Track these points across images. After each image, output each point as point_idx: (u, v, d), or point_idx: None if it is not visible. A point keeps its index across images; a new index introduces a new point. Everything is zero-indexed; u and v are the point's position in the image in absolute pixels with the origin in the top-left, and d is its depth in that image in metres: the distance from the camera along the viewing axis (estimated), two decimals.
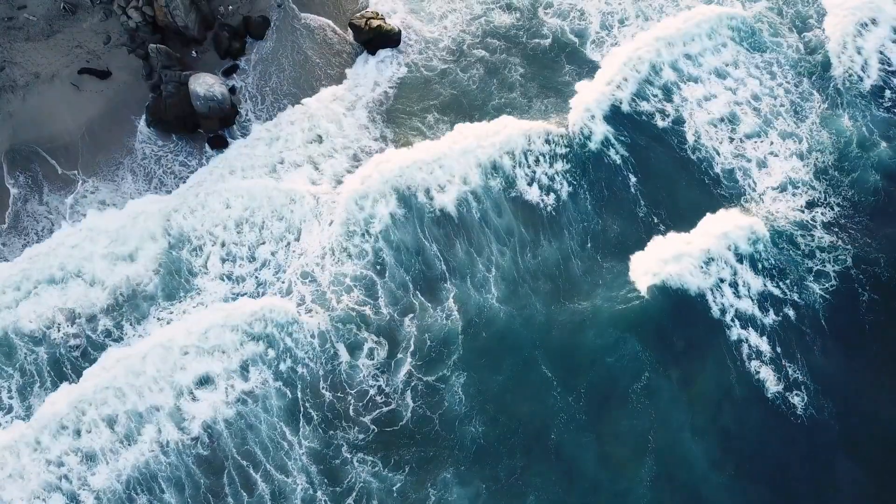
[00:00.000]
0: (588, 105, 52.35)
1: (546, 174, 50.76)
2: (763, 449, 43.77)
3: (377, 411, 44.74)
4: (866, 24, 55.31)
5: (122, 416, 44.05)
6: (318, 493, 42.87)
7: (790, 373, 45.04)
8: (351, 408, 44.78)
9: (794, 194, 49.97)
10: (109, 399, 44.31)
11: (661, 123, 52.50)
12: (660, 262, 47.64)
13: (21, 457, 43.14)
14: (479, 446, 43.97)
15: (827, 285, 47.08)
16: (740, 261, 47.69)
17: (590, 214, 49.74)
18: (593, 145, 51.47)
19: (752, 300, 46.79)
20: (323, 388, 45.22)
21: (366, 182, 49.79)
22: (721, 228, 48.36)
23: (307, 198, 49.59)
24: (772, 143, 51.62)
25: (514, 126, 51.70)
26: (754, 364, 45.31)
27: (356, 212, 49.15)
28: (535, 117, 52.62)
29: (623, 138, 51.86)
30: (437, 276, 47.93)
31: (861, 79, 53.85)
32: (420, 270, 48.12)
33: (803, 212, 49.37)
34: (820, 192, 49.97)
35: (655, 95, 53.47)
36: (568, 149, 51.42)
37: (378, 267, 48.00)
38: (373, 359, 45.84)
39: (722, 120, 52.34)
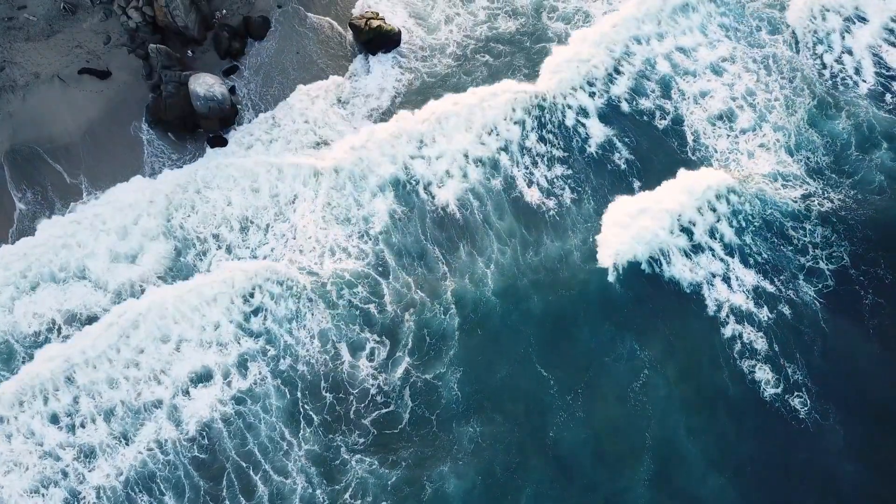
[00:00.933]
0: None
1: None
2: (762, 447, 43.64)
3: (377, 412, 44.60)
4: (852, 21, 55.38)
5: (119, 410, 44.08)
6: (318, 493, 42.76)
7: (789, 372, 44.84)
8: (352, 409, 44.67)
9: (784, 186, 49.83)
10: (104, 391, 44.38)
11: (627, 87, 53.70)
12: (637, 244, 47.75)
13: (14, 442, 43.36)
14: (477, 444, 43.94)
15: (820, 285, 47.13)
16: (731, 254, 47.72)
17: (580, 203, 49.93)
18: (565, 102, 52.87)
19: (747, 295, 46.73)
20: (323, 387, 45.16)
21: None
22: (705, 197, 49.02)
23: (306, 190, 49.69)
24: (764, 135, 51.53)
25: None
26: (748, 363, 45.15)
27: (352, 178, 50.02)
28: None
29: (596, 98, 52.97)
30: (435, 267, 48.11)
31: (829, 66, 54.04)
32: (414, 249, 48.59)
33: (796, 202, 49.23)
34: (813, 186, 49.83)
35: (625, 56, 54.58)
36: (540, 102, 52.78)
37: (376, 251, 48.43)
38: (373, 359, 45.75)
39: (702, 94, 52.64)
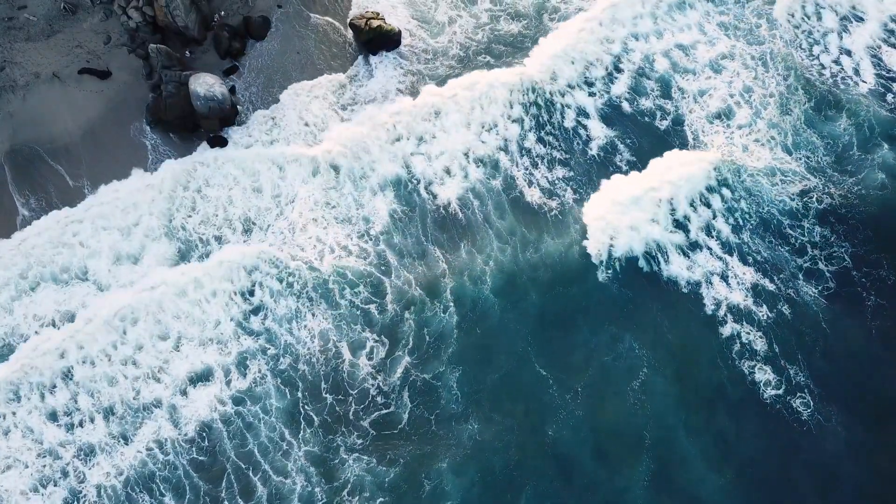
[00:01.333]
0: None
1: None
2: (763, 447, 43.61)
3: (376, 413, 44.52)
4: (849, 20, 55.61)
5: (119, 408, 44.01)
6: (317, 490, 42.70)
7: (791, 374, 44.80)
8: (351, 410, 44.60)
9: (783, 181, 49.84)
10: (103, 389, 44.32)
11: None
12: (631, 232, 48.03)
13: (12, 439, 43.33)
14: (476, 443, 43.88)
15: (821, 286, 47.08)
16: (729, 252, 47.66)
17: (579, 200, 50.04)
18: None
19: (746, 294, 46.72)
20: (323, 387, 45.06)
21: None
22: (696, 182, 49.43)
23: (307, 188, 49.73)
24: (758, 130, 51.62)
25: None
26: (748, 364, 45.09)
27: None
28: None
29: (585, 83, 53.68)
30: (435, 265, 48.13)
31: (828, 67, 54.18)
32: (414, 248, 48.65)
33: (793, 199, 49.24)
34: (813, 181, 49.78)
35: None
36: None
37: (377, 250, 48.39)
38: (372, 358, 45.66)
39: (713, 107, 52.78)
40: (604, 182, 50.33)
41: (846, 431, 43.34)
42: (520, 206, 49.75)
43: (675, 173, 49.34)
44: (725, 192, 49.12)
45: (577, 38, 54.54)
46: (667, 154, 50.59)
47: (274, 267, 47.39)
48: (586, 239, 48.42)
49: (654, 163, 50.29)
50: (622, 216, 48.37)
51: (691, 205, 48.73)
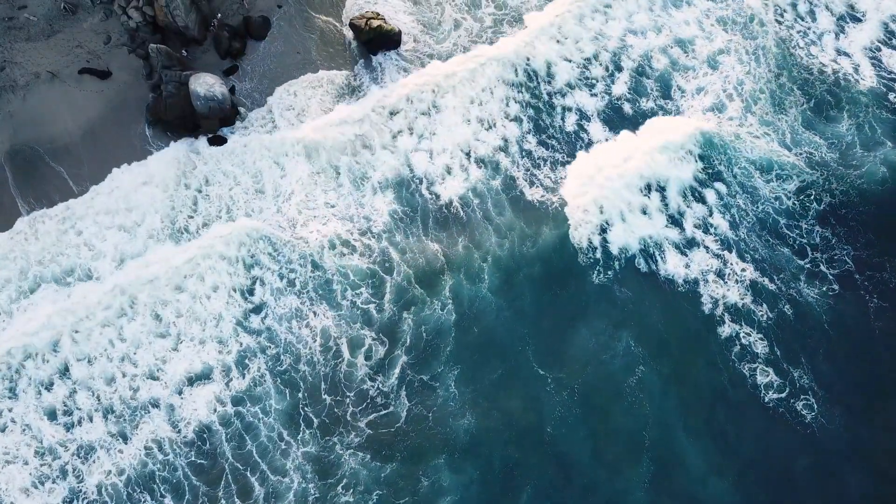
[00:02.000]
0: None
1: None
2: (765, 451, 43.43)
3: (374, 413, 44.47)
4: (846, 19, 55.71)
5: (118, 407, 43.91)
6: (311, 487, 42.73)
7: (794, 376, 44.66)
8: (350, 410, 44.55)
9: (779, 176, 49.80)
10: (101, 388, 44.19)
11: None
12: (630, 239, 48.02)
13: (9, 436, 43.38)
14: (473, 440, 43.88)
15: (824, 287, 46.94)
16: (728, 249, 47.55)
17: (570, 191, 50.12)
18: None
19: (745, 292, 46.63)
20: (323, 388, 44.95)
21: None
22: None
23: (308, 184, 49.73)
24: (751, 125, 51.61)
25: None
26: (749, 366, 44.94)
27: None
28: None
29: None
30: (434, 261, 48.14)
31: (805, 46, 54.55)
32: (415, 245, 48.65)
33: (790, 197, 49.20)
34: (812, 176, 49.83)
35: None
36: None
37: (380, 247, 48.42)
38: (371, 357, 45.55)
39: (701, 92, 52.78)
40: (588, 157, 50.77)
41: (850, 434, 43.21)
42: (518, 203, 49.72)
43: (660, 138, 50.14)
44: (720, 186, 49.03)
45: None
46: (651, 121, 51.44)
47: (275, 262, 47.36)
48: (575, 230, 48.42)
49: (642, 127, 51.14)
50: (611, 200, 48.69)
51: (684, 197, 48.58)
